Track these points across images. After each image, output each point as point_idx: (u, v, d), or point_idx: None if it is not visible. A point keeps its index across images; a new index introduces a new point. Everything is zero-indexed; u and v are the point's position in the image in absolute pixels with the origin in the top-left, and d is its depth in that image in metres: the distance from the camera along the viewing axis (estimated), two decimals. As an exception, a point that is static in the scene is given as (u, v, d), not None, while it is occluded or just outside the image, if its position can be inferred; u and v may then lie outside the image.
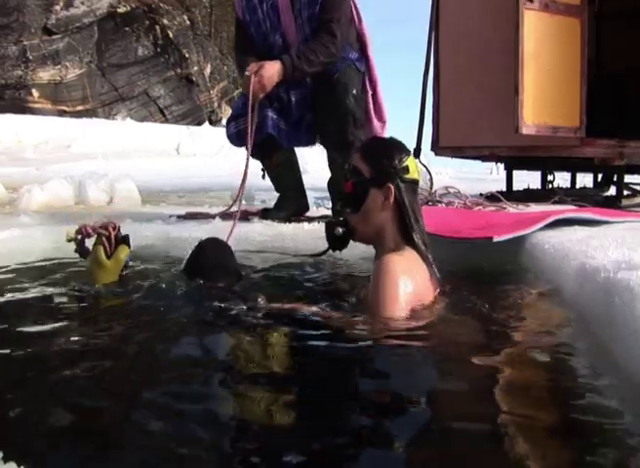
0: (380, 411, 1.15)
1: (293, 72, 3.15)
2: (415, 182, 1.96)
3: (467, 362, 1.43)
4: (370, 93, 3.48)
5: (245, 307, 1.75)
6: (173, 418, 1.10)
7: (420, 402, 1.22)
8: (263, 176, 3.63)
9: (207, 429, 1.05)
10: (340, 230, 1.99)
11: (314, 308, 1.76)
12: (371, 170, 1.92)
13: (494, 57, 5.11)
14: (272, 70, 3.10)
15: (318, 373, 1.37)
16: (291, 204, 3.59)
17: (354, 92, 3.33)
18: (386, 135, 3.48)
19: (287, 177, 3.65)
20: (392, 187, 1.89)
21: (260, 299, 1.80)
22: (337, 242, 2.05)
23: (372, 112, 3.50)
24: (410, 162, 1.93)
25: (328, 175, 3.51)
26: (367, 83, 3.47)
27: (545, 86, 4.75)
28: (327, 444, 1.01)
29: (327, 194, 3.72)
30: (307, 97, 3.39)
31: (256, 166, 3.35)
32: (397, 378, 1.34)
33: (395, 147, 1.96)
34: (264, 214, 3.53)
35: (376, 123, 3.52)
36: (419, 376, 1.37)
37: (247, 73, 3.10)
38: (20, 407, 1.13)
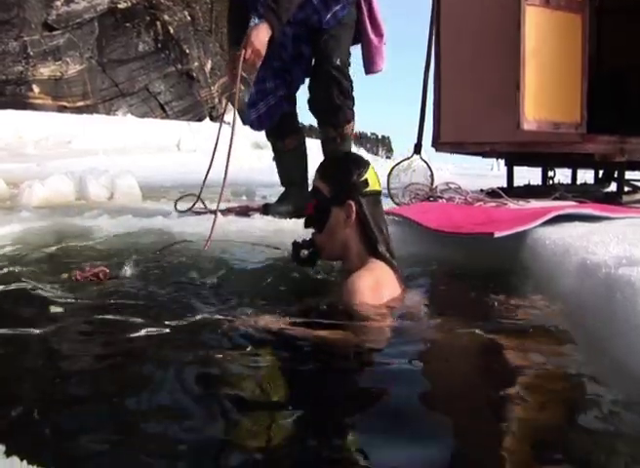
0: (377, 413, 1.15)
1: (279, 22, 3.16)
2: (376, 194, 1.98)
3: (465, 362, 1.43)
4: (365, 11, 3.58)
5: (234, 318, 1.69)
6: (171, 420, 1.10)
7: (419, 406, 1.22)
8: (274, 159, 3.71)
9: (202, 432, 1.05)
10: (306, 252, 2.02)
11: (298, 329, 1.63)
12: (330, 189, 1.94)
13: (495, 52, 5.10)
14: (258, 32, 3.11)
15: (308, 384, 1.37)
16: (293, 199, 3.60)
17: (337, 62, 3.42)
18: (384, 49, 3.70)
19: (296, 166, 3.70)
20: (353, 204, 1.91)
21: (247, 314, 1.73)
22: (304, 263, 2.07)
23: (368, 28, 3.61)
24: (369, 175, 1.95)
25: None
26: (362, 2, 3.58)
27: (546, 82, 4.74)
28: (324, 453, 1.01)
29: None
30: (301, 35, 3.47)
31: (256, 158, 3.39)
32: (391, 388, 1.33)
33: (352, 162, 1.98)
34: (265, 208, 3.55)
35: (373, 37, 3.65)
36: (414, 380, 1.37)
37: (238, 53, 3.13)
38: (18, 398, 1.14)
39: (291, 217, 3.34)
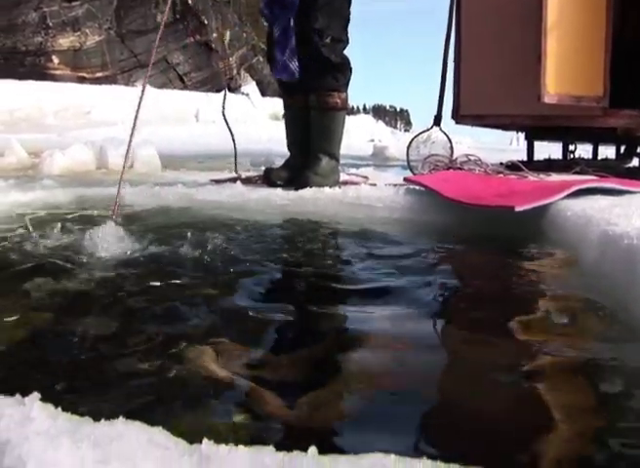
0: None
1: None
2: None
3: (488, 329, 1.45)
4: None
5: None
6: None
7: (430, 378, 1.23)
8: (284, 116, 3.72)
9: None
10: None
11: None
12: None
13: (516, 24, 5.04)
14: None
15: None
16: (290, 165, 3.64)
17: (327, 40, 3.44)
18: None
19: (298, 127, 3.71)
20: None
21: None
22: None
23: None
24: None
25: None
26: None
27: (568, 54, 4.69)
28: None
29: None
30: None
31: (274, 129, 3.45)
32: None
33: None
34: (267, 173, 3.58)
35: None
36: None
37: None
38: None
39: (285, 184, 3.40)
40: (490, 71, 5.34)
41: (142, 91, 2.63)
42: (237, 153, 4.04)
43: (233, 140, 3.89)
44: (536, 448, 0.84)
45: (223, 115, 3.79)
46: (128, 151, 2.57)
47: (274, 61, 3.53)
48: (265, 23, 3.66)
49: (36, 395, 0.69)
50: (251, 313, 1.44)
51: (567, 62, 4.70)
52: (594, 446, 0.87)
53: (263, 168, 3.88)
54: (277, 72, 3.55)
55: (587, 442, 0.87)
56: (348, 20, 3.62)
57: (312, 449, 0.61)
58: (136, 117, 2.49)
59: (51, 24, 23.27)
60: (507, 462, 0.77)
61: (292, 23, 3.40)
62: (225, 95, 3.81)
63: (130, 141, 2.50)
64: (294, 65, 3.48)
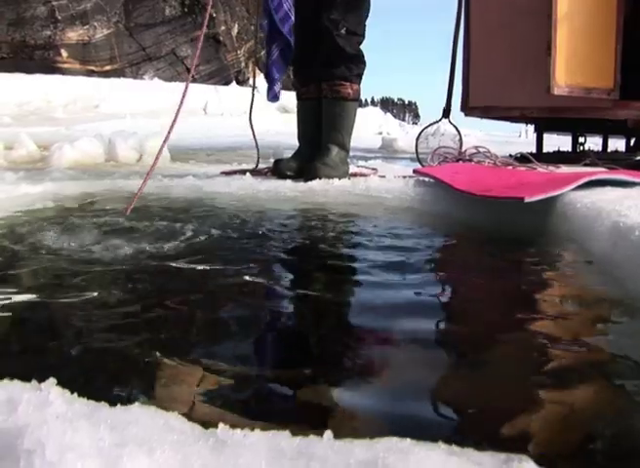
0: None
1: None
2: None
3: (495, 309, 1.45)
4: None
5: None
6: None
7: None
8: (297, 106, 3.78)
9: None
10: None
11: None
12: None
13: (526, 15, 5.02)
14: None
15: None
16: (299, 157, 3.66)
17: (342, 31, 3.48)
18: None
19: (309, 119, 3.71)
20: None
21: None
22: None
23: None
24: None
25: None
26: None
27: (579, 45, 4.67)
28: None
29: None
30: None
31: (282, 122, 3.45)
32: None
33: None
34: (276, 164, 3.59)
35: None
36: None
37: None
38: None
39: (295, 175, 3.41)
40: (499, 63, 5.32)
41: (186, 87, 2.68)
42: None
43: (256, 142, 3.89)
44: (553, 438, 0.84)
45: (250, 121, 3.78)
46: (165, 141, 2.62)
47: (271, 80, 3.58)
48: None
49: (52, 380, 0.69)
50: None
51: (577, 54, 4.68)
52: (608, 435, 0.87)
53: (272, 160, 3.88)
54: (269, 92, 3.62)
55: (604, 433, 0.87)
56: (367, 15, 3.63)
57: (328, 433, 0.61)
58: (177, 112, 2.53)
59: (59, 18, 23.32)
60: (521, 448, 0.77)
61: (291, 40, 3.45)
62: (252, 101, 3.80)
63: (167, 137, 2.56)
64: (278, 87, 3.59)
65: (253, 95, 3.87)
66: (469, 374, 1.10)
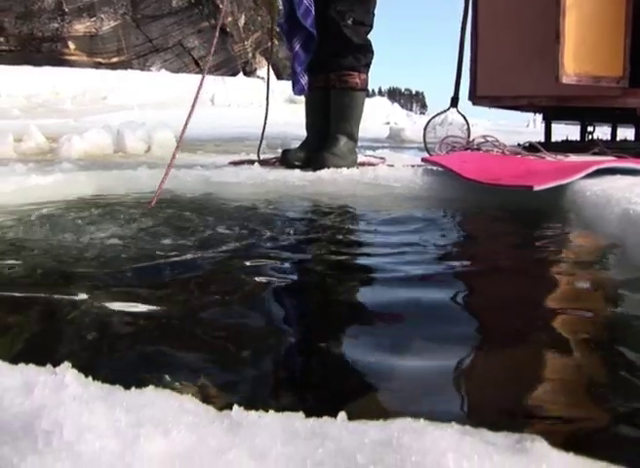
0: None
1: None
2: None
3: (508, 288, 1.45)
4: None
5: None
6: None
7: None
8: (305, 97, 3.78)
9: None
10: None
11: None
12: None
13: (534, 3, 5.00)
14: None
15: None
16: (307, 147, 3.66)
17: (349, 21, 3.48)
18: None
19: (317, 109, 3.71)
20: None
21: None
22: None
23: None
24: None
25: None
26: None
27: (587, 33, 4.64)
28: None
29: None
30: None
31: (289, 113, 3.45)
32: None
33: None
34: (284, 154, 3.60)
35: None
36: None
37: None
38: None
39: (303, 164, 3.41)
40: (507, 52, 5.30)
41: (202, 79, 2.70)
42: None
43: (262, 132, 3.90)
44: (566, 417, 0.85)
45: (266, 113, 3.79)
46: (182, 134, 2.64)
47: (294, 74, 3.59)
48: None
49: (67, 364, 0.70)
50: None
51: (586, 42, 4.65)
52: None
53: (280, 150, 3.89)
54: (295, 86, 3.62)
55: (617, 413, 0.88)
56: (374, 6, 3.62)
57: (342, 415, 0.62)
58: (193, 105, 2.55)
59: (67, 10, 23.37)
60: (535, 429, 0.78)
61: (314, 32, 3.44)
62: (268, 100, 3.81)
63: (184, 128, 2.58)
64: (304, 80, 3.57)
65: (268, 87, 3.90)
66: (484, 355, 1.11)
